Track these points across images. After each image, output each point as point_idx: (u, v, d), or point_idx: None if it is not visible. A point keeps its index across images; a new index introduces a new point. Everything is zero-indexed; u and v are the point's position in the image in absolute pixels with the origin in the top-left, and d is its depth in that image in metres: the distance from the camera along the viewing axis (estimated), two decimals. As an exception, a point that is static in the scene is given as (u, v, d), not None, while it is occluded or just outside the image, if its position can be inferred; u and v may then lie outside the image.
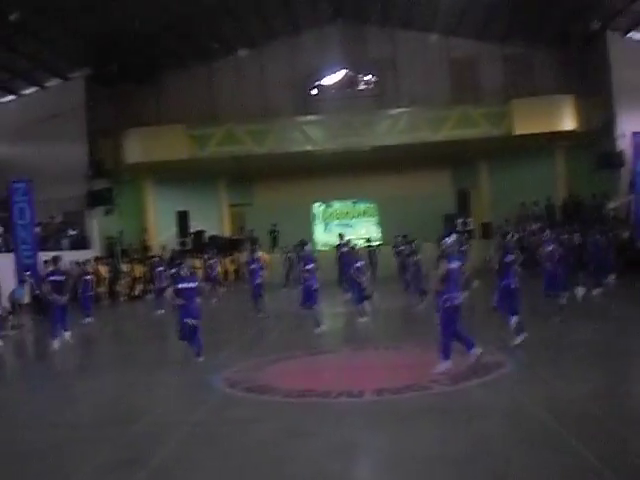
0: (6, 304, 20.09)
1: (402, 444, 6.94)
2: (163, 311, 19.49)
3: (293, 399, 8.95)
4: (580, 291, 16.99)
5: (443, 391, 8.91)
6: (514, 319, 11.98)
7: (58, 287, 14.83)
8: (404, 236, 20.68)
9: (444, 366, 9.74)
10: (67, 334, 15.10)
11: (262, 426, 7.88)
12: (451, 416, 7.81)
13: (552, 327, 13.42)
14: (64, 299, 14.95)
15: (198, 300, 12.20)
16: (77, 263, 22.18)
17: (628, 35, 28.87)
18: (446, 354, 9.83)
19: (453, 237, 10.43)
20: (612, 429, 6.84)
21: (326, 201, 34.69)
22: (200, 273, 27.73)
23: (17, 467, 6.93)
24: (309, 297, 15.16)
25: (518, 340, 11.41)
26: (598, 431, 6.85)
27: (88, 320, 19.45)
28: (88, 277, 20.61)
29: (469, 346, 9.90)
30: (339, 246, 23.91)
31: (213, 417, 8.41)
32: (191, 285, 12.12)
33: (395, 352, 12.38)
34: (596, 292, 17.58)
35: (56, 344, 14.53)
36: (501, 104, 30.36)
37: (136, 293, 27.62)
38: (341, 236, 24.55)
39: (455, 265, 9.98)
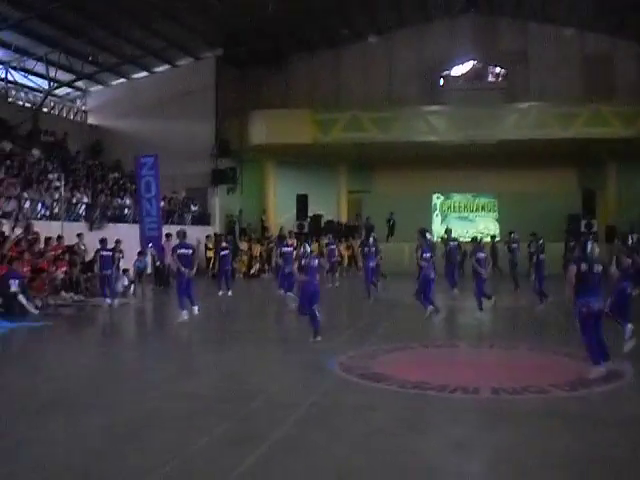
0: (131, 274, 20.94)
1: (519, 447, 6.78)
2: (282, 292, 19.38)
3: (408, 390, 8.90)
4: None
5: (561, 396, 8.67)
6: (629, 327, 11.47)
7: (186, 260, 15.19)
8: (533, 234, 20.00)
9: (596, 372, 9.40)
10: (195, 308, 15.30)
11: (377, 414, 7.88)
12: (569, 422, 7.60)
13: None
14: (192, 272, 15.26)
15: (318, 277, 12.85)
16: (216, 235, 22.66)
17: None
18: (595, 359, 9.47)
19: (592, 242, 10.05)
20: None
21: (445, 193, 34.32)
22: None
23: (136, 434, 7.16)
24: (425, 287, 15.07)
25: (628, 347, 11.00)
26: None
27: (226, 293, 20.11)
28: (226, 252, 21.16)
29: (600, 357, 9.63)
30: (447, 241, 23.14)
31: (328, 400, 8.47)
32: (314, 263, 12.68)
33: (511, 352, 12.11)
34: None
35: (185, 316, 14.89)
36: (635, 104, 29.27)
37: (253, 271, 28.17)
38: (448, 231, 23.94)
39: (589, 268, 9.62)
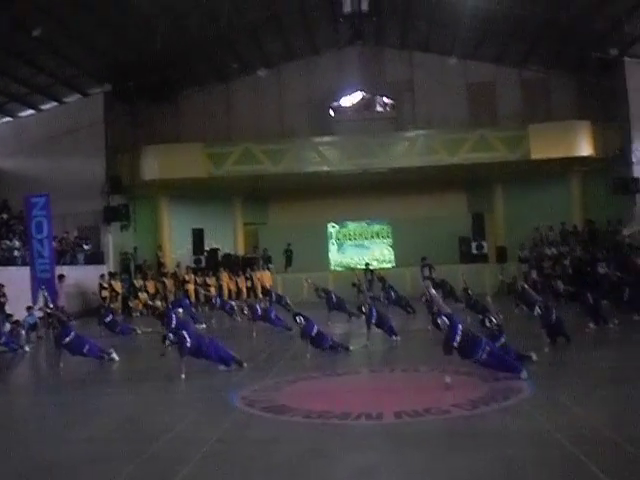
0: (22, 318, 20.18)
1: (424, 468, 6.90)
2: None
3: (312, 420, 8.92)
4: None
5: (462, 415, 8.85)
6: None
7: None
8: (423, 258, 20.54)
9: None
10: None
11: (282, 447, 7.86)
12: (471, 441, 7.76)
13: (567, 353, 13.33)
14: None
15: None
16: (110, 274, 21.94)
17: (645, 62, 28.92)
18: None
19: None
20: (632, 455, 6.78)
21: (340, 221, 34.68)
22: (213, 291, 27.91)
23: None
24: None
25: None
26: (618, 457, 6.81)
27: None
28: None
29: None
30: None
31: (233, 436, 8.38)
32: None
33: (413, 375, 12.31)
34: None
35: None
36: (518, 129, 30.49)
37: (158, 309, 27.59)
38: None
39: None
